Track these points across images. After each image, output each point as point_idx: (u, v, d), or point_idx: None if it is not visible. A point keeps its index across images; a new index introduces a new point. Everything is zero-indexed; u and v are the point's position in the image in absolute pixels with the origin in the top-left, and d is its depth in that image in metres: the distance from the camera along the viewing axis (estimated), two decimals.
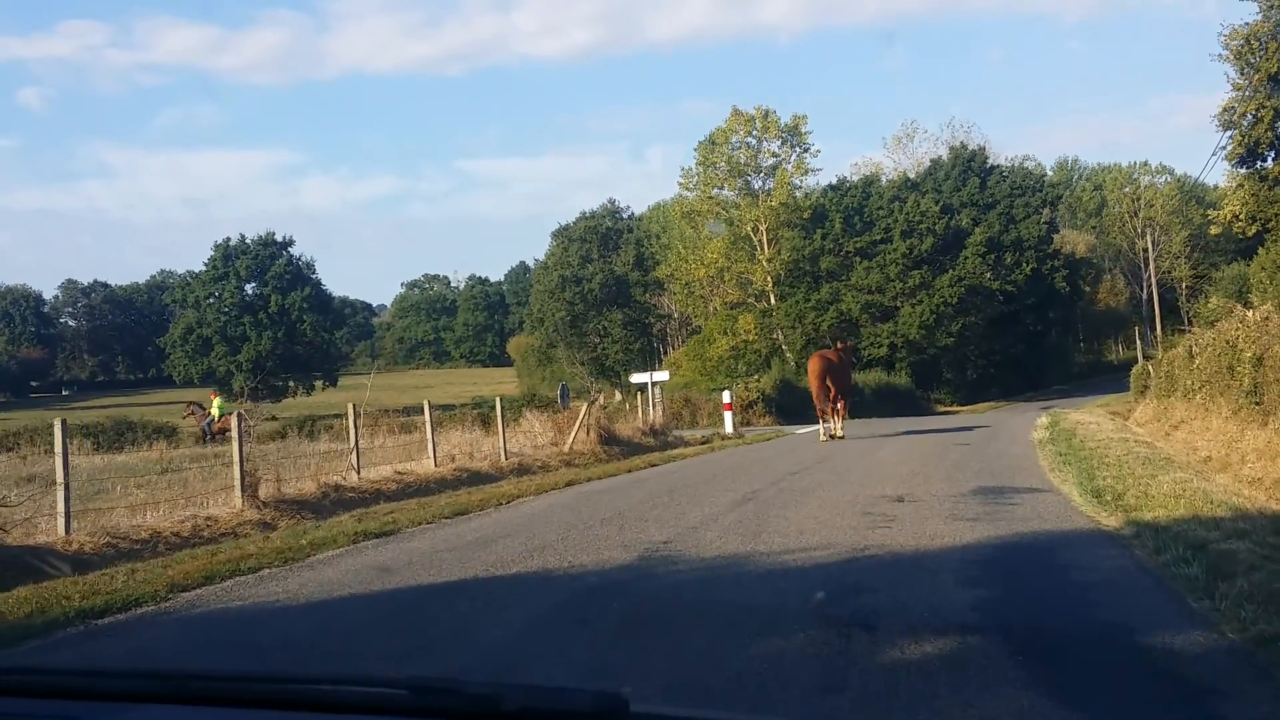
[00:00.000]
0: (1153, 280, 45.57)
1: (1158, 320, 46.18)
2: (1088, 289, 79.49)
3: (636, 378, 27.78)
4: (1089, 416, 23.67)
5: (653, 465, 17.38)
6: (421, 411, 18.54)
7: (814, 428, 26.72)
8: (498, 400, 20.04)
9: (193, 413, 35.20)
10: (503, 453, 18.24)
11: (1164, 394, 24.25)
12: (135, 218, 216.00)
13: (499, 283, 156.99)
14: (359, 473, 14.18)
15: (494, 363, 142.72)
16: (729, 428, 25.94)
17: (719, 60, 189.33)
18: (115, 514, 11.43)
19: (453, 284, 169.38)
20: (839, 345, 25.85)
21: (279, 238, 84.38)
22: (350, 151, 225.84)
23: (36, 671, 2.89)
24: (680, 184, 63.99)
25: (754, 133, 61.25)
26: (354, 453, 14.19)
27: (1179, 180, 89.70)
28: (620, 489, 13.83)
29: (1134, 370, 37.26)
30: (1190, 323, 79.04)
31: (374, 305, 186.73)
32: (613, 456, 19.66)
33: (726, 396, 27.41)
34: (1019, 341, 64.56)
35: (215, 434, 29.61)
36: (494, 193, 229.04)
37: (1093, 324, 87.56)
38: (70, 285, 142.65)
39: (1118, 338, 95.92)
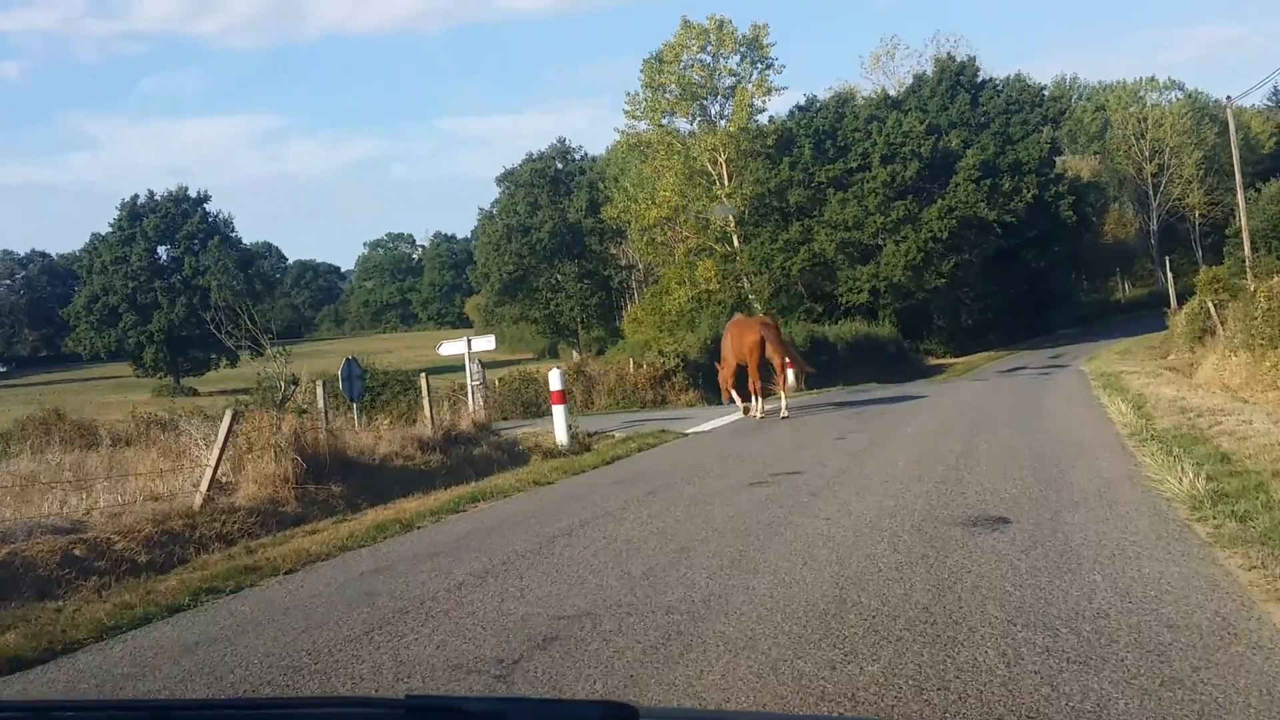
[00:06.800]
0: (1239, 189, 36.49)
1: (1245, 242, 37.23)
2: (1094, 219, 71.27)
3: (446, 348, 18.26)
4: (1171, 388, 15.38)
5: (232, 586, 7.45)
6: None
7: (737, 417, 18.74)
8: None
9: None
10: None
11: (1267, 344, 16.34)
12: (121, 189, 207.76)
13: (465, 239, 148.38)
14: None
15: (464, 324, 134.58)
16: (561, 435, 15.10)
17: (706, 3, 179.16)
18: None
19: (418, 242, 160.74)
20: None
21: (192, 193, 75.80)
22: (332, 114, 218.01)
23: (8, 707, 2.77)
24: (626, 111, 55.21)
25: (708, 47, 52.70)
26: None
27: (1190, 96, 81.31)
28: None
29: (1186, 309, 29.92)
30: (1209, 254, 71.14)
31: (341, 269, 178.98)
32: (326, 507, 10.47)
33: (555, 380, 15.87)
34: (1019, 281, 56.47)
35: None
36: (477, 151, 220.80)
37: (1098, 259, 79.36)
38: (6, 256, 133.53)
39: (1125, 274, 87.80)
